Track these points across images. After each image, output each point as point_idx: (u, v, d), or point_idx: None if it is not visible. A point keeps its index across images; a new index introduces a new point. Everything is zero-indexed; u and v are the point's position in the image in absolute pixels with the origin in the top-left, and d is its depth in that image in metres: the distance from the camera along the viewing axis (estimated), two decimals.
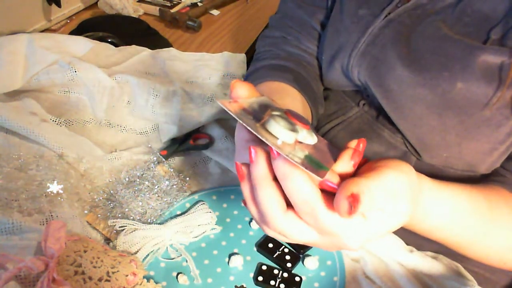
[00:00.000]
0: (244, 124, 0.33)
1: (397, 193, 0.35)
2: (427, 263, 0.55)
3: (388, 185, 0.34)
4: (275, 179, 0.35)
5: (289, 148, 0.33)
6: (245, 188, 0.37)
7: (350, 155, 0.35)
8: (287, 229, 0.35)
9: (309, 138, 0.35)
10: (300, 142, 0.35)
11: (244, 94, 0.37)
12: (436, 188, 0.42)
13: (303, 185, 0.33)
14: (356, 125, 0.64)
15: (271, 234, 0.37)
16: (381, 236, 0.37)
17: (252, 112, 0.36)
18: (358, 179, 0.33)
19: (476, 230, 0.47)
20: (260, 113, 0.36)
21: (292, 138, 0.33)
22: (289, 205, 0.35)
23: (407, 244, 0.57)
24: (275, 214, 0.35)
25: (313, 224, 0.35)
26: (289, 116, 0.35)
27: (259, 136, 0.32)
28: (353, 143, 0.37)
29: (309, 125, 0.36)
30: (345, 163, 0.35)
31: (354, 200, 0.31)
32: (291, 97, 0.59)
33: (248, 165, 0.36)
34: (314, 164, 0.33)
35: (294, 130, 0.34)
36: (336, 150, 0.38)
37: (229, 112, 0.33)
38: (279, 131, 0.33)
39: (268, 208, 0.35)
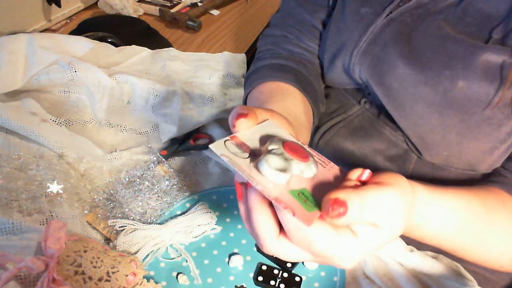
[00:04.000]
0: (236, 169, 0.33)
1: (394, 209, 0.35)
2: (427, 263, 0.55)
3: (385, 199, 0.35)
4: (271, 204, 0.35)
5: (282, 187, 0.33)
6: (241, 208, 0.38)
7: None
8: (279, 252, 0.36)
9: (307, 171, 0.35)
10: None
11: (246, 128, 0.37)
12: (430, 197, 0.42)
13: None
14: (357, 123, 0.64)
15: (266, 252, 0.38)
16: (374, 251, 0.37)
17: (249, 147, 0.36)
18: (348, 189, 0.33)
19: (473, 236, 0.48)
20: (258, 147, 0.37)
21: (284, 179, 0.34)
22: (282, 228, 0.36)
23: (407, 243, 0.57)
24: (267, 238, 0.36)
25: (305, 249, 0.35)
26: (287, 149, 0.35)
27: (249, 181, 0.33)
28: (355, 173, 0.36)
29: (308, 158, 0.36)
30: None
31: (335, 203, 0.32)
32: (292, 97, 0.59)
33: (246, 186, 0.37)
34: (308, 202, 0.33)
35: (287, 169, 0.34)
36: (343, 174, 0.38)
37: (221, 158, 0.34)
38: (270, 173, 0.33)
39: (261, 232, 0.35)
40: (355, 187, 0.35)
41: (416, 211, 0.40)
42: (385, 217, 0.35)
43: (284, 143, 0.36)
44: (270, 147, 0.35)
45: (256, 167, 0.34)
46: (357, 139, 0.63)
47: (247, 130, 0.38)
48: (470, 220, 0.47)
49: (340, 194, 0.32)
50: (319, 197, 0.34)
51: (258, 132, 0.38)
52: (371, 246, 0.36)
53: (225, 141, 0.36)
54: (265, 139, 0.37)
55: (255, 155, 0.36)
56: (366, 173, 0.37)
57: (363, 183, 0.36)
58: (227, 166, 0.68)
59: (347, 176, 0.37)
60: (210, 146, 0.35)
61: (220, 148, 0.35)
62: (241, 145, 0.36)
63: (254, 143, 0.37)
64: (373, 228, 0.35)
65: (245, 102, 0.66)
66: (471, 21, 0.49)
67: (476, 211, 0.47)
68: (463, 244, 0.48)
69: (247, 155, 0.36)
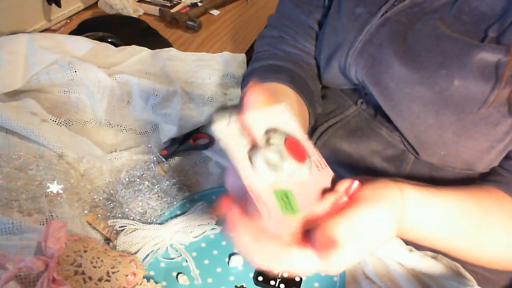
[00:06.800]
0: (228, 150, 0.33)
1: (377, 225, 0.36)
2: (427, 263, 0.55)
3: (367, 219, 0.35)
4: None
5: (268, 184, 0.34)
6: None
7: (333, 200, 0.36)
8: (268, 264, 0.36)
9: (299, 173, 0.35)
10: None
11: (258, 104, 0.37)
12: (422, 199, 0.43)
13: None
14: (354, 124, 0.64)
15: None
16: (362, 256, 0.38)
17: (252, 132, 0.36)
18: (333, 223, 0.34)
19: (467, 237, 0.48)
20: (261, 135, 0.36)
21: (273, 178, 0.34)
22: None
23: (407, 243, 0.57)
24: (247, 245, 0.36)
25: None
26: (287, 146, 0.35)
27: (238, 171, 0.33)
28: (344, 185, 0.37)
29: (304, 160, 0.36)
30: (326, 207, 0.36)
31: (328, 245, 0.33)
32: (286, 98, 0.59)
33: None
34: (288, 207, 0.34)
35: (280, 167, 0.34)
36: (333, 182, 0.38)
37: (218, 137, 0.34)
38: (261, 169, 0.33)
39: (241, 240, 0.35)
40: (339, 210, 0.35)
41: (407, 214, 0.41)
42: (371, 233, 0.36)
43: (287, 139, 0.36)
44: (271, 140, 0.35)
45: (250, 159, 0.34)
46: (354, 140, 0.63)
47: (258, 111, 0.37)
48: (465, 221, 0.47)
49: (328, 231, 0.33)
50: (303, 201, 0.34)
51: (268, 117, 0.37)
52: (358, 255, 0.36)
53: (230, 121, 0.35)
54: (273, 125, 0.37)
55: (254, 145, 0.35)
56: (355, 186, 0.37)
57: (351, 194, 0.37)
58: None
59: (335, 187, 0.37)
60: (213, 125, 0.34)
61: (221, 130, 0.34)
62: (245, 129, 0.36)
63: (259, 129, 0.36)
64: (359, 243, 0.36)
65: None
66: (467, 19, 0.49)
67: (470, 212, 0.47)
68: (457, 245, 0.48)
69: (245, 142, 0.35)
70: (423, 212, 0.43)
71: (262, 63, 0.67)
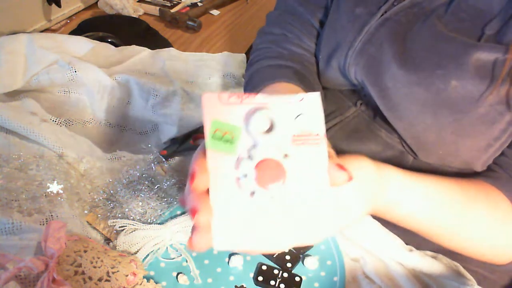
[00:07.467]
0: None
1: (344, 205, 0.38)
2: (427, 263, 0.55)
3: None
4: None
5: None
6: None
7: None
8: None
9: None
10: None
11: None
12: (404, 178, 0.44)
13: None
14: (353, 125, 0.64)
15: None
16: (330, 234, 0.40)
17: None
18: None
19: (451, 222, 0.48)
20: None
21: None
22: None
23: (407, 243, 0.57)
24: None
25: None
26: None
27: (207, 155, 0.33)
28: None
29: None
30: None
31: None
32: None
33: None
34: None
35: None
36: None
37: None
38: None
39: None
40: None
41: (386, 194, 0.42)
42: (344, 210, 0.38)
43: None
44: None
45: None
46: (353, 142, 0.63)
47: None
48: (449, 206, 0.47)
49: None
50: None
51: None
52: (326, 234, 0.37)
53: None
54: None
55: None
56: None
57: None
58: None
59: None
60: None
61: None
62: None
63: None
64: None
65: None
66: (464, 16, 0.49)
67: (454, 198, 0.48)
68: (441, 228, 0.49)
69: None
70: (405, 191, 0.44)
71: (269, 62, 0.67)
